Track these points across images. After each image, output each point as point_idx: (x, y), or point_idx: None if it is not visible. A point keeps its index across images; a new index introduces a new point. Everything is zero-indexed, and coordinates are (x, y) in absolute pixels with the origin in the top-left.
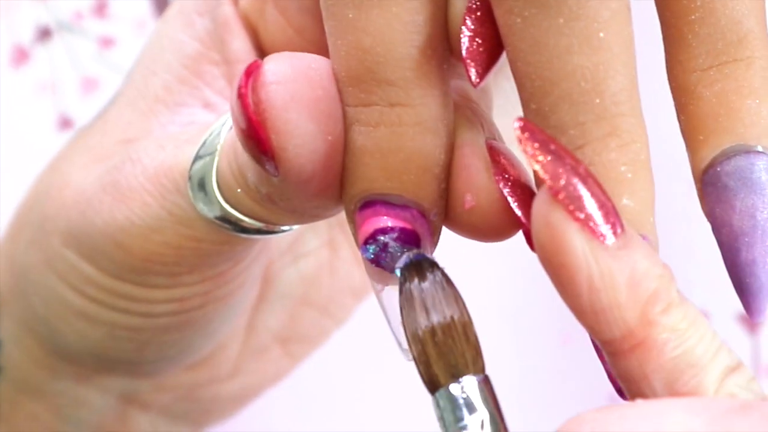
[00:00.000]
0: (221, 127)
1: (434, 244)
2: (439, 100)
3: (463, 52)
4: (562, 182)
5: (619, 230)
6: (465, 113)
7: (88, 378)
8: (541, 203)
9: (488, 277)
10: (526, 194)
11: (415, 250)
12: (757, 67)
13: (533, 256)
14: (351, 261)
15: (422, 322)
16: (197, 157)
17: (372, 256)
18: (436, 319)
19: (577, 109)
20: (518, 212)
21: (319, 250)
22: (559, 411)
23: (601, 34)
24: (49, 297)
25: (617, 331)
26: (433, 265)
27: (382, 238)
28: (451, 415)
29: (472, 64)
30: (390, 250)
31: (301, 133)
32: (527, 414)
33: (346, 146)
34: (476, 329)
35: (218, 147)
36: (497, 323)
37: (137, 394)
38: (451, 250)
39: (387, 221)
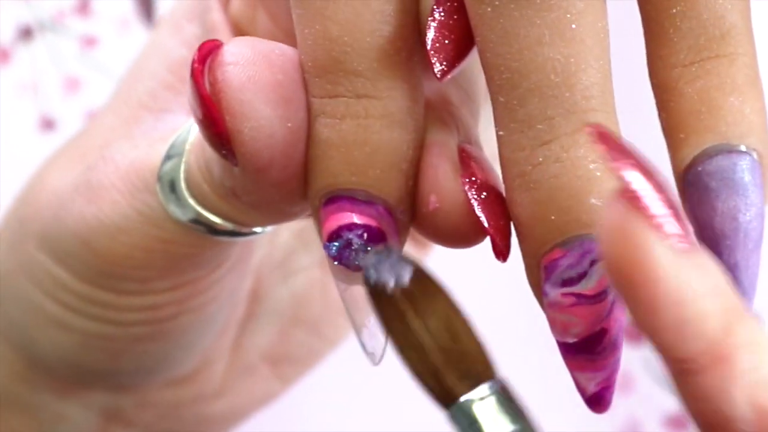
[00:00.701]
0: (191, 125)
1: (401, 243)
2: (407, 93)
3: (428, 44)
4: (642, 193)
5: (692, 244)
6: (440, 114)
7: (69, 392)
8: (618, 213)
9: (473, 283)
10: (492, 200)
11: (382, 247)
12: (741, 64)
13: (520, 261)
14: None
15: (419, 329)
16: (167, 156)
17: (335, 253)
18: (434, 323)
19: (546, 102)
20: (481, 216)
21: (311, 268)
22: (549, 419)
23: (574, 26)
24: (23, 303)
25: (700, 345)
26: (412, 264)
27: (346, 234)
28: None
29: (437, 56)
30: (354, 247)
31: (257, 116)
32: None
33: (311, 139)
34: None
35: (187, 144)
36: (483, 330)
37: (119, 411)
38: (435, 255)
39: (351, 217)
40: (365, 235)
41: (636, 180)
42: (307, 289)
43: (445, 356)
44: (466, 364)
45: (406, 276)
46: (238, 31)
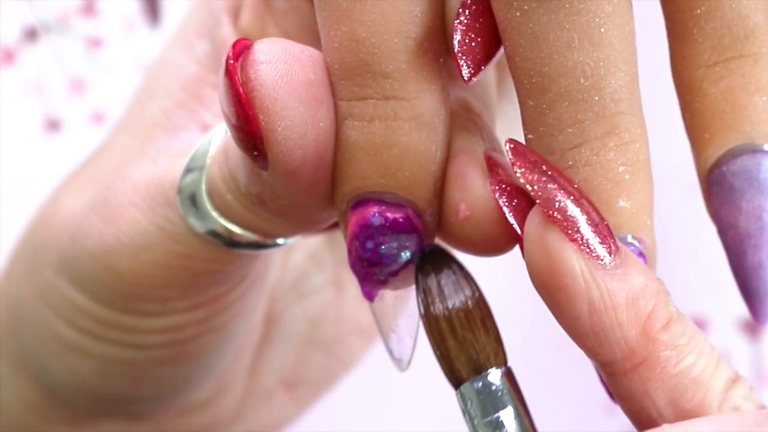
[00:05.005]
0: (211, 138)
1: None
2: (435, 95)
3: (455, 47)
4: (556, 203)
5: (614, 249)
6: (465, 122)
7: (83, 423)
8: (534, 225)
9: (482, 285)
10: (523, 206)
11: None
12: (765, 64)
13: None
14: (358, 300)
15: (441, 314)
16: (188, 169)
17: (366, 251)
18: (454, 312)
19: (576, 106)
20: (513, 223)
21: (325, 289)
22: (554, 419)
23: (602, 30)
24: (40, 331)
25: (619, 351)
26: (448, 257)
27: (376, 219)
28: (477, 410)
29: (464, 59)
30: (383, 249)
31: (291, 114)
32: None
33: (339, 142)
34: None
35: (208, 158)
36: None
37: None
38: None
39: (381, 212)
40: (394, 224)
41: (554, 193)
42: (322, 310)
43: (457, 343)
44: (474, 352)
45: (444, 268)
46: None
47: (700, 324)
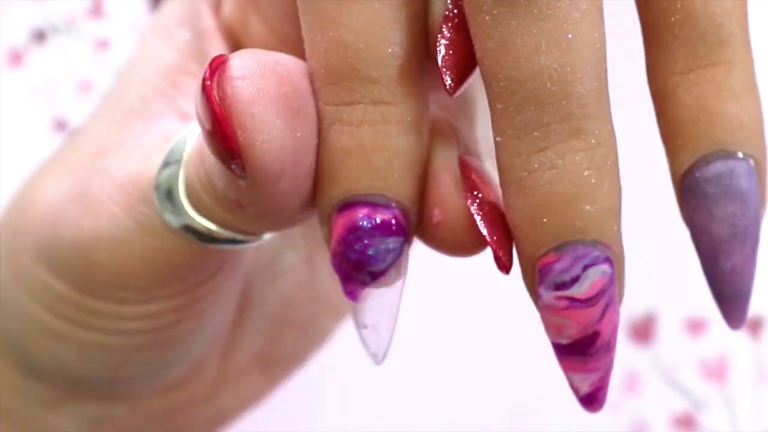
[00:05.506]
0: (188, 134)
1: (410, 244)
2: (420, 99)
3: (439, 61)
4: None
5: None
6: (441, 126)
7: (61, 403)
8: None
9: (485, 282)
10: (494, 214)
11: None
12: (738, 72)
13: None
14: (330, 279)
15: None
16: (164, 166)
17: (353, 251)
18: None
19: (543, 110)
20: (484, 231)
21: (297, 269)
22: (554, 419)
23: (570, 36)
24: (20, 316)
25: None
26: None
27: (364, 221)
28: None
29: (448, 72)
30: (370, 251)
31: (268, 128)
32: (520, 420)
33: (325, 147)
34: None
35: (184, 155)
36: (495, 327)
37: (111, 419)
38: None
39: (369, 212)
40: (383, 226)
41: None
42: (295, 289)
43: None
44: None
45: None
46: (230, 36)
47: (700, 323)
